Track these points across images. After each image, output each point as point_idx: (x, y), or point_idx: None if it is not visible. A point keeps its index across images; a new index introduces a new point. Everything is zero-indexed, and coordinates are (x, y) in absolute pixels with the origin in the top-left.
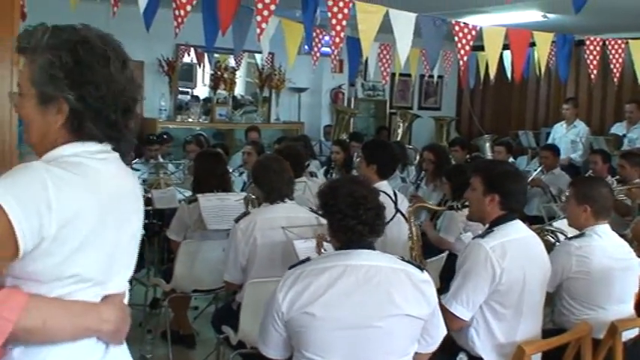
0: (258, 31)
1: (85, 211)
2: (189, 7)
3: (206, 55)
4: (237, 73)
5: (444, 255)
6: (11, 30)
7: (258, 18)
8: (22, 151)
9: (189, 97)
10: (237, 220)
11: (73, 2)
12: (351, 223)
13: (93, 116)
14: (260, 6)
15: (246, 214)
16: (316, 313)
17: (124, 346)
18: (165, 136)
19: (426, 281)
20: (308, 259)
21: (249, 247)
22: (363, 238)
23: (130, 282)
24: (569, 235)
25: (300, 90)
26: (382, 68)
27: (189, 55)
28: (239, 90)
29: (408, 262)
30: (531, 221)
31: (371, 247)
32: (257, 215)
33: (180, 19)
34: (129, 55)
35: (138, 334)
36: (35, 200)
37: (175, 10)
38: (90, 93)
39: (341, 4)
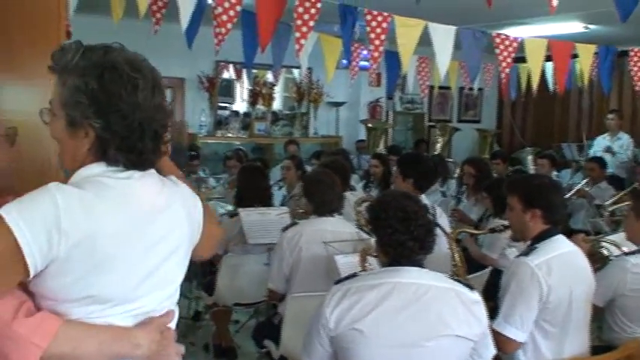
0: (297, 47)
1: (100, 232)
2: (229, 25)
3: (244, 70)
4: (275, 88)
5: (487, 271)
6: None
7: (297, 34)
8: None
9: (228, 112)
10: (284, 230)
11: (116, 19)
12: (402, 238)
13: (118, 143)
14: (299, 22)
15: (294, 224)
16: (364, 329)
17: None
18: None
19: (476, 301)
20: (355, 275)
21: (293, 257)
22: (413, 254)
23: None
24: (626, 250)
25: (337, 104)
26: (421, 81)
27: (228, 71)
28: (277, 105)
29: (458, 281)
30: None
31: (420, 264)
32: (304, 226)
33: (220, 37)
34: (170, 71)
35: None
36: (44, 221)
37: (216, 27)
38: (116, 121)
39: (379, 18)
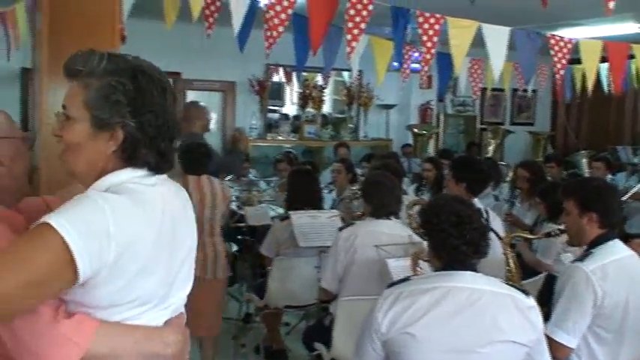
0: (348, 49)
1: (141, 237)
2: (281, 29)
3: (294, 74)
4: (325, 91)
5: (542, 276)
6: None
7: (349, 37)
8: None
9: (278, 115)
10: (340, 229)
11: (169, 24)
12: (455, 242)
13: (148, 144)
14: (350, 25)
15: (350, 224)
16: (416, 334)
17: None
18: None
19: (532, 307)
20: (407, 279)
21: (347, 258)
22: (467, 258)
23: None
24: None
25: (388, 107)
26: (473, 83)
27: (278, 74)
28: (327, 108)
29: (513, 286)
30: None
31: (474, 269)
32: (360, 227)
33: (271, 40)
34: (221, 75)
35: (231, 347)
36: (94, 229)
37: (267, 31)
38: (149, 121)
39: (432, 20)
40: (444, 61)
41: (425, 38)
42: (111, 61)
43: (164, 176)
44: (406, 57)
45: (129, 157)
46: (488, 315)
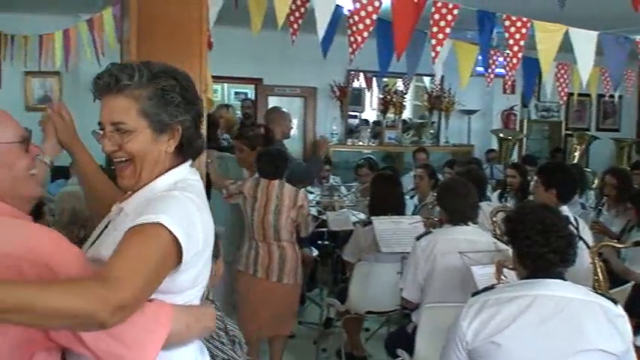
0: (433, 54)
1: (211, 227)
2: (365, 34)
3: (375, 79)
4: (405, 96)
5: (629, 285)
6: (200, 59)
7: (433, 41)
8: None
9: (357, 120)
10: (418, 238)
11: (255, 31)
12: (541, 250)
13: (197, 134)
14: (435, 29)
15: (428, 232)
16: (502, 343)
17: None
18: None
19: (620, 316)
20: (492, 287)
21: (428, 266)
22: (552, 266)
23: (304, 301)
24: None
25: (470, 112)
26: (560, 88)
27: (358, 80)
28: (407, 113)
29: (601, 294)
30: None
31: (561, 277)
32: (438, 235)
33: (355, 46)
34: (303, 81)
35: (313, 351)
36: (190, 222)
37: (351, 36)
38: (196, 113)
39: (519, 23)
40: (530, 65)
41: (511, 42)
42: (148, 69)
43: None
44: (490, 61)
45: (185, 150)
46: (575, 323)
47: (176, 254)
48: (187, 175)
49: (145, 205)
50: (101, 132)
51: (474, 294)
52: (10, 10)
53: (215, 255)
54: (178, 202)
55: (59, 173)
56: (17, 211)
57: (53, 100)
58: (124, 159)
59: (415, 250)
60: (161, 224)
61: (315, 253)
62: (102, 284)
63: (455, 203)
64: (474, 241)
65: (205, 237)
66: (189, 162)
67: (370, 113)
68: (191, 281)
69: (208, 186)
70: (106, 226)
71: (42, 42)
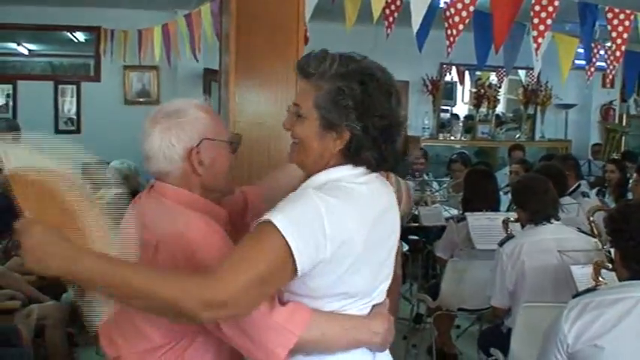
0: (534, 46)
1: (354, 235)
2: (461, 27)
3: (467, 72)
4: (499, 90)
5: None
6: (296, 53)
7: (534, 33)
8: None
9: (449, 115)
10: (501, 244)
11: (349, 25)
12: None
13: (370, 145)
14: (536, 21)
15: (510, 237)
16: (606, 346)
17: (387, 352)
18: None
19: None
20: (594, 289)
21: (516, 271)
22: None
23: None
24: None
25: (567, 106)
26: None
27: (449, 73)
28: (500, 107)
29: None
30: None
31: None
32: (523, 238)
33: (452, 39)
34: (396, 74)
35: (402, 347)
36: (312, 227)
37: (447, 29)
38: (374, 124)
39: (622, 16)
40: (632, 59)
41: (614, 35)
42: (342, 64)
43: (375, 174)
44: (592, 54)
45: (352, 156)
46: None
47: (290, 256)
48: (347, 177)
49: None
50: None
51: (575, 295)
52: (110, 5)
53: None
54: (304, 204)
55: None
56: (196, 198)
57: (151, 94)
58: (295, 140)
59: (500, 257)
60: (272, 223)
61: (405, 247)
62: (201, 280)
63: (535, 202)
64: (562, 239)
65: (340, 245)
66: (355, 166)
67: (462, 107)
68: (326, 288)
69: None
70: None
71: (141, 37)
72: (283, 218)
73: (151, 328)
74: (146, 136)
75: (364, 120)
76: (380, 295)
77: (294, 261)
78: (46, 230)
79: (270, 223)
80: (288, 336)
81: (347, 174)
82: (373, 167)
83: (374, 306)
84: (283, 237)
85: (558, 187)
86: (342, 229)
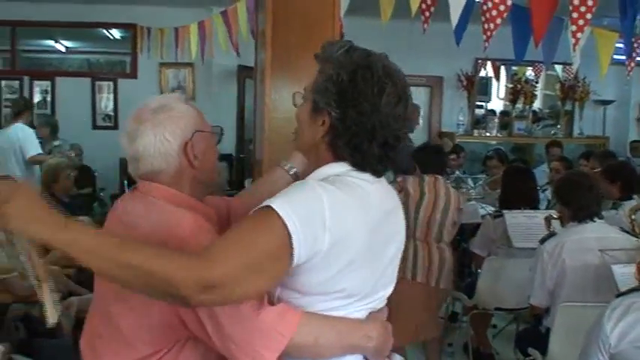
0: (573, 41)
1: (355, 231)
2: (499, 20)
3: (503, 68)
4: (536, 85)
5: None
6: None
7: (573, 28)
8: None
9: (483, 111)
10: (542, 242)
11: (385, 20)
12: None
13: (347, 139)
14: (575, 15)
15: (551, 234)
16: None
17: None
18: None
19: None
20: (638, 289)
21: (557, 270)
22: None
23: None
24: None
25: (605, 102)
26: None
27: (484, 69)
28: (537, 103)
29: None
30: None
31: None
32: (564, 236)
33: (489, 33)
34: (430, 70)
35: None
36: (312, 217)
37: (484, 23)
38: (352, 116)
39: None
40: None
41: None
42: (347, 53)
43: (382, 178)
44: (632, 49)
45: (338, 149)
46: None
47: (289, 244)
48: (351, 172)
49: None
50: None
51: (618, 295)
52: (146, 3)
53: None
54: (306, 192)
55: None
56: (185, 197)
57: (186, 90)
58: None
59: (541, 255)
60: (271, 208)
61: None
62: (195, 259)
63: (579, 198)
64: (604, 238)
65: (339, 239)
66: (350, 164)
67: (497, 103)
68: (320, 285)
69: None
70: None
71: (177, 34)
72: (284, 203)
73: (140, 338)
74: (135, 136)
75: (342, 108)
76: (379, 302)
77: (291, 248)
78: (34, 193)
79: (269, 208)
80: (278, 338)
81: (347, 169)
82: (353, 164)
83: (371, 312)
84: (283, 222)
85: (628, 186)
86: (343, 223)
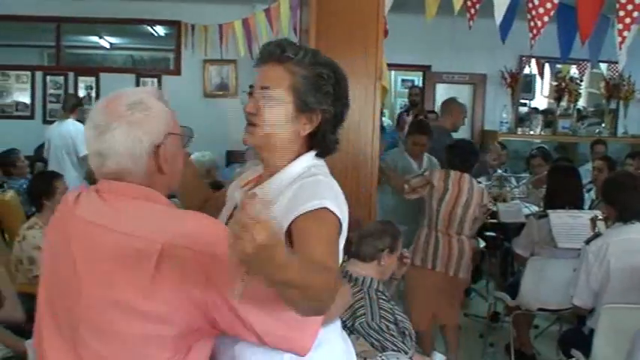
0: (619, 39)
1: (344, 215)
2: (546, 18)
3: (547, 65)
4: (581, 83)
5: None
6: (376, 46)
7: (620, 26)
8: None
9: (527, 108)
10: (587, 242)
11: (429, 17)
12: None
13: (332, 130)
14: (622, 13)
15: (597, 235)
16: None
17: None
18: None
19: None
20: None
21: (601, 271)
22: None
23: (469, 293)
24: None
25: None
26: None
27: (529, 66)
28: (581, 101)
29: None
30: None
31: None
32: (610, 237)
33: (535, 30)
34: (473, 67)
35: (479, 345)
36: (342, 203)
37: (531, 20)
38: (342, 111)
39: None
40: None
41: None
42: (314, 56)
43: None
44: None
45: (318, 141)
46: None
47: (340, 228)
48: (316, 161)
49: (300, 192)
50: (248, 93)
51: None
52: (190, 0)
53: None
54: (331, 187)
55: (234, 158)
56: (164, 197)
57: (230, 87)
58: (255, 122)
59: (586, 256)
60: (327, 208)
61: (482, 244)
62: (327, 270)
63: (625, 198)
64: None
65: (344, 221)
66: (316, 153)
67: (541, 101)
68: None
69: None
70: (234, 209)
71: (221, 31)
72: (332, 201)
73: (157, 347)
74: (105, 131)
75: (336, 106)
76: None
77: (341, 229)
78: (275, 231)
79: (326, 208)
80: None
81: (319, 162)
82: (329, 152)
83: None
84: (336, 215)
85: None
86: (345, 207)
